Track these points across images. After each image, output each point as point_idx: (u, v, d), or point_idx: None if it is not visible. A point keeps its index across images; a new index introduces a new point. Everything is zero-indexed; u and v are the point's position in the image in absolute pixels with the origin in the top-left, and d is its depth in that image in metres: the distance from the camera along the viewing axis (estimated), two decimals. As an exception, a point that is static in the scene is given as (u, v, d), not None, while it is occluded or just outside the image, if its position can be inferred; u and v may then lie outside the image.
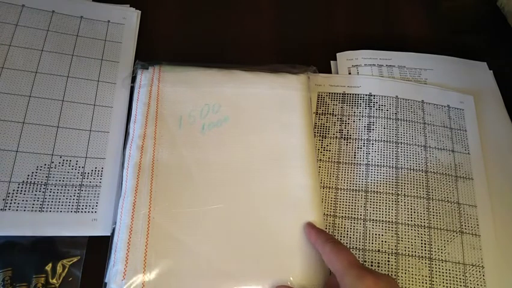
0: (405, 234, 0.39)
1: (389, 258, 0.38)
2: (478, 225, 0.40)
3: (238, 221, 0.37)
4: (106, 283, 0.34)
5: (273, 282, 0.34)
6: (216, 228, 0.36)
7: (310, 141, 0.41)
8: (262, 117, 0.41)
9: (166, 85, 0.42)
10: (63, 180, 0.38)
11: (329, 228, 0.39)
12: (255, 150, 0.40)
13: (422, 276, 0.37)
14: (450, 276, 0.38)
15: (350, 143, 0.44)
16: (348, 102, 0.46)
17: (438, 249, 0.39)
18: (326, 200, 0.41)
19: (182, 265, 0.34)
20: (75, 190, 0.38)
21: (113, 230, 0.36)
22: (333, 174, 0.42)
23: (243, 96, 0.42)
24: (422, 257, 0.38)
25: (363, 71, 0.48)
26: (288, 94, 0.43)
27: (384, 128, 0.44)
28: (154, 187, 0.37)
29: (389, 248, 0.38)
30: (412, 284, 0.37)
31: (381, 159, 0.43)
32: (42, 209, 0.37)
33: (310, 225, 0.36)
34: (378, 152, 0.43)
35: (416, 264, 0.38)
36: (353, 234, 0.39)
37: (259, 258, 0.35)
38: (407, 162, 0.42)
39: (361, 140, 0.44)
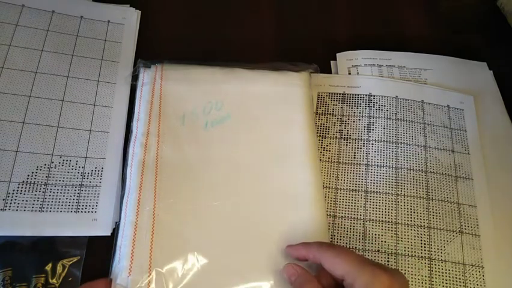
0: (405, 235, 0.39)
1: (388, 258, 0.38)
2: (477, 225, 0.40)
3: (242, 217, 0.37)
4: (111, 279, 0.34)
5: (277, 278, 0.34)
6: (220, 224, 0.36)
7: (313, 138, 0.41)
8: (264, 114, 0.42)
9: (168, 83, 0.42)
10: (63, 180, 0.38)
11: (329, 229, 0.39)
12: (257, 146, 0.40)
13: (422, 276, 0.37)
14: (450, 277, 0.38)
15: (349, 143, 0.44)
16: (348, 102, 0.46)
17: (438, 249, 0.39)
18: (325, 200, 0.41)
19: (188, 261, 0.34)
20: (75, 190, 0.38)
21: (116, 228, 0.36)
22: (333, 174, 0.42)
23: (245, 94, 0.42)
24: (421, 257, 0.38)
25: (363, 71, 0.48)
26: (290, 91, 0.43)
27: (384, 128, 0.44)
28: (158, 184, 0.37)
29: (388, 248, 0.38)
30: (412, 284, 0.37)
31: (381, 160, 0.43)
32: (42, 209, 0.37)
33: (290, 246, 0.34)
34: (378, 152, 0.43)
35: (415, 265, 0.38)
36: (353, 235, 0.39)
37: (263, 254, 0.35)
38: (407, 163, 0.42)
39: (361, 140, 0.44)
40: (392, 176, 0.42)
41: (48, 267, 0.35)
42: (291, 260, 0.35)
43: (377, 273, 0.28)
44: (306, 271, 0.33)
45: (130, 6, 0.49)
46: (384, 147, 0.43)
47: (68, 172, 0.39)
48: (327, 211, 0.40)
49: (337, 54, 0.50)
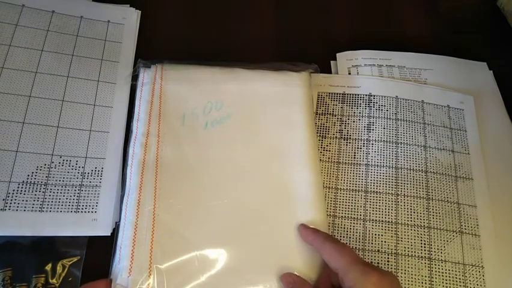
0: (405, 235, 0.39)
1: (388, 258, 0.38)
2: (477, 225, 0.40)
3: (242, 217, 0.37)
4: (111, 279, 0.34)
5: (277, 277, 0.34)
6: (220, 224, 0.36)
7: (313, 137, 0.41)
8: (264, 114, 0.42)
9: (168, 83, 0.42)
10: (63, 180, 0.38)
11: (329, 228, 0.39)
12: (257, 146, 0.40)
13: (422, 276, 0.37)
14: (450, 276, 0.38)
15: (349, 143, 0.44)
16: (348, 102, 0.46)
17: (438, 249, 0.39)
18: (325, 200, 0.41)
19: (188, 261, 0.34)
20: (75, 190, 0.38)
21: (116, 228, 0.36)
22: (333, 174, 0.42)
23: (245, 94, 0.42)
24: (421, 257, 0.38)
25: (363, 71, 0.48)
26: (290, 91, 0.43)
27: (384, 128, 0.44)
28: (158, 184, 0.37)
29: (388, 248, 0.38)
30: (412, 284, 0.37)
31: (381, 160, 0.43)
32: (42, 209, 0.37)
33: (304, 226, 0.36)
34: (378, 152, 0.43)
35: (415, 265, 0.38)
36: (353, 235, 0.39)
37: (264, 254, 0.36)
38: (407, 163, 0.42)
39: (361, 140, 0.44)
40: (392, 176, 0.42)
41: (48, 267, 0.35)
42: (291, 258, 0.35)
43: (366, 271, 0.29)
44: (302, 279, 0.34)
45: (130, 6, 0.49)
46: (384, 147, 0.43)
47: (68, 172, 0.39)
48: (327, 211, 0.40)
49: (337, 54, 0.50)
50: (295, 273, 0.35)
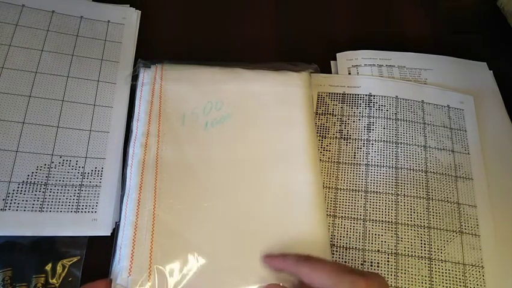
0: (405, 235, 0.39)
1: (388, 258, 0.38)
2: (477, 225, 0.40)
3: (242, 217, 0.37)
4: (111, 279, 0.34)
5: (278, 278, 0.34)
6: (220, 224, 0.36)
7: (313, 138, 0.41)
8: (264, 114, 0.42)
9: (168, 83, 0.42)
10: (63, 180, 0.38)
11: (329, 228, 0.39)
12: (257, 146, 0.40)
13: (422, 276, 0.37)
14: (450, 277, 0.38)
15: (349, 143, 0.44)
16: (348, 102, 0.46)
17: (438, 249, 0.39)
18: (325, 200, 0.41)
19: (188, 261, 0.34)
20: (75, 190, 0.38)
21: (116, 228, 0.36)
22: (333, 174, 0.42)
23: (245, 94, 0.42)
24: (421, 257, 0.38)
25: (363, 71, 0.48)
26: (290, 91, 0.43)
27: (384, 128, 0.44)
28: (158, 184, 0.37)
29: (388, 248, 0.38)
30: (412, 284, 0.37)
31: (381, 160, 0.43)
32: (42, 209, 0.37)
33: (268, 256, 0.34)
34: (378, 152, 0.43)
35: (415, 265, 0.38)
36: (353, 235, 0.39)
37: (263, 254, 0.35)
38: (407, 163, 0.42)
39: (361, 140, 0.44)
40: (392, 176, 0.42)
41: (48, 267, 0.35)
42: None
43: (354, 281, 0.28)
44: None
45: (130, 6, 0.49)
46: (384, 147, 0.43)
47: (68, 172, 0.39)
48: (327, 211, 0.40)
49: (337, 54, 0.50)
50: (290, 281, 0.34)
